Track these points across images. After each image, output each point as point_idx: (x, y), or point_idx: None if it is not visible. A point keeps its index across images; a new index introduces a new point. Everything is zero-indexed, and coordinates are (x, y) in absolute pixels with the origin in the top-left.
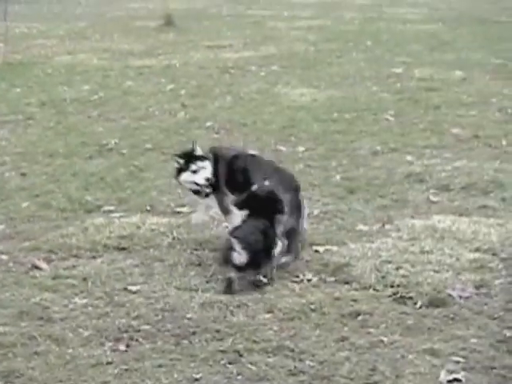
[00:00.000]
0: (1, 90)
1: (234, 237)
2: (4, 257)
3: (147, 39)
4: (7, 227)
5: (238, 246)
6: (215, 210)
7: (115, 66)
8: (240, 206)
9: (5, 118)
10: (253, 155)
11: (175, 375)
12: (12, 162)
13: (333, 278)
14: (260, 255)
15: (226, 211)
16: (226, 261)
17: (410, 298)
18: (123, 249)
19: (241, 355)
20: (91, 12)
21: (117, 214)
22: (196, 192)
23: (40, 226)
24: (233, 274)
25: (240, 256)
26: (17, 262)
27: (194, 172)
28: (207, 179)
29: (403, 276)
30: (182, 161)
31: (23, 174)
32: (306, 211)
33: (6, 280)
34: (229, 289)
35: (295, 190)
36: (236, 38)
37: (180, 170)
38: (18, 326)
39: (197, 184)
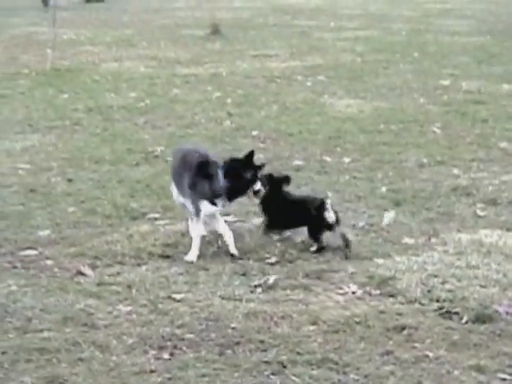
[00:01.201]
0: (48, 96)
1: (326, 198)
2: (49, 262)
3: (194, 48)
4: (53, 232)
5: (329, 206)
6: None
7: (162, 74)
8: None
9: (52, 124)
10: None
11: None
12: (59, 167)
13: (378, 291)
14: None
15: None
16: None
17: (456, 313)
18: (168, 257)
19: (284, 367)
20: (138, 20)
21: (162, 222)
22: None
23: (85, 232)
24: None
25: (330, 214)
26: (62, 267)
27: None
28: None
29: (449, 290)
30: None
31: (69, 180)
32: None
33: (51, 285)
34: (348, 246)
35: None
36: (282, 48)
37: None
38: (63, 331)
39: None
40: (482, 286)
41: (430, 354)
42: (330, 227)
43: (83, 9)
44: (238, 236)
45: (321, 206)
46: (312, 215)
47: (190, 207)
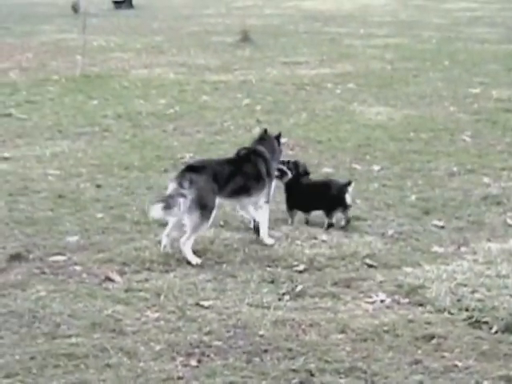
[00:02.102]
0: (78, 102)
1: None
2: (78, 268)
3: (224, 54)
4: (82, 238)
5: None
6: None
7: (191, 81)
8: None
9: (82, 130)
10: None
11: None
12: (88, 173)
13: (407, 300)
14: None
15: None
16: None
17: (486, 322)
18: (196, 263)
19: (312, 375)
20: (168, 26)
21: None
22: None
23: (114, 238)
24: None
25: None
26: (90, 273)
27: None
28: None
29: (479, 300)
30: None
31: (98, 186)
32: None
33: (80, 291)
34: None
35: None
36: (312, 55)
37: None
38: (91, 337)
39: None
40: (511, 296)
41: (459, 364)
42: (345, 207)
43: (113, 15)
44: (265, 243)
45: (343, 188)
46: (333, 195)
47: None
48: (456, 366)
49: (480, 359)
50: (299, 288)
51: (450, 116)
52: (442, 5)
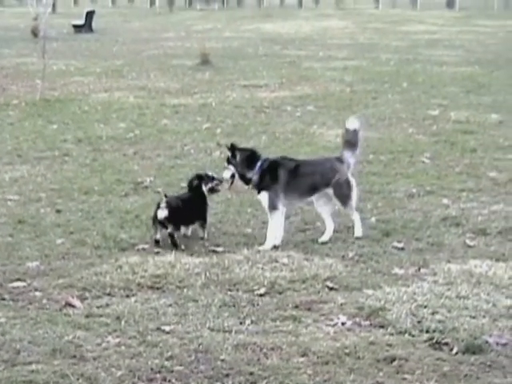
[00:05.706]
0: (38, 127)
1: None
2: (38, 294)
3: (183, 78)
4: (42, 264)
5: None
6: None
7: (151, 104)
8: None
9: (41, 154)
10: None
11: None
12: (47, 198)
13: (368, 322)
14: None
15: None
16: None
17: (446, 343)
18: (157, 288)
19: None
20: (128, 50)
21: (151, 253)
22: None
23: (74, 263)
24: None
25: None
26: (51, 299)
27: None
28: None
29: (439, 321)
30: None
31: (58, 211)
32: None
33: (40, 317)
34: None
35: None
36: (272, 78)
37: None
38: (51, 364)
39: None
40: (471, 317)
41: None
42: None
43: (73, 39)
44: (226, 267)
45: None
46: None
47: None
48: None
49: (441, 380)
50: (260, 311)
51: (409, 138)
52: (400, 27)
